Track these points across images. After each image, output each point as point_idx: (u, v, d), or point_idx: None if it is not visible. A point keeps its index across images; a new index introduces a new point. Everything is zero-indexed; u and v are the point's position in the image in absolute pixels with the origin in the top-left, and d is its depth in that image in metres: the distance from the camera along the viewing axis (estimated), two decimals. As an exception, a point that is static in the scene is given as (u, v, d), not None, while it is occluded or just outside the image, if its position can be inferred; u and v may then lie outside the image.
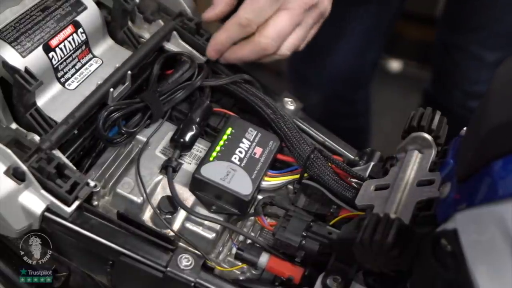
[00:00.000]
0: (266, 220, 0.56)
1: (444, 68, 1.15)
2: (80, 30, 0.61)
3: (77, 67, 0.61)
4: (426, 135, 0.53)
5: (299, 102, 0.68)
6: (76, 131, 0.57)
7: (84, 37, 0.61)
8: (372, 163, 0.59)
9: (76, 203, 0.52)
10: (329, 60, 1.15)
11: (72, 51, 0.60)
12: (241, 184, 0.55)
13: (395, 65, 1.92)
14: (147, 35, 0.67)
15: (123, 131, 0.58)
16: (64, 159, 0.53)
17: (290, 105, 0.67)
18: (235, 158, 0.58)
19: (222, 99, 0.67)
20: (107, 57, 0.63)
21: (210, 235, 0.55)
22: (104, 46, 0.64)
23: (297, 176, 0.58)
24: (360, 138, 1.32)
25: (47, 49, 0.57)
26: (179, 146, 0.59)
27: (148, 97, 0.60)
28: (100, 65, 0.63)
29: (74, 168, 0.53)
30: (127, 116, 0.59)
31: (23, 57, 0.55)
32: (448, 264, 0.38)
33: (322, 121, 0.67)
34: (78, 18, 0.61)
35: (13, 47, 0.55)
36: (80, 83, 0.60)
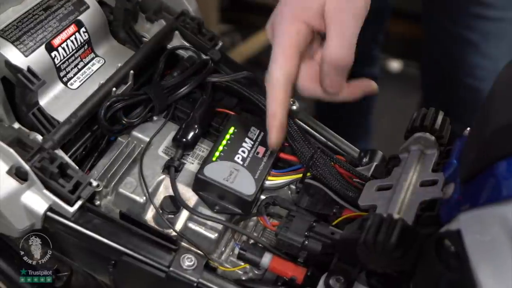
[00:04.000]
0: (268, 220, 0.56)
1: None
2: (83, 29, 0.61)
3: (79, 66, 0.61)
4: (429, 135, 0.53)
5: (301, 101, 0.68)
6: (78, 131, 0.57)
7: (87, 36, 0.61)
8: (374, 163, 0.59)
9: (79, 202, 0.52)
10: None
11: (75, 50, 0.60)
12: (244, 184, 0.55)
13: (395, 65, 1.92)
14: (149, 35, 0.67)
15: (124, 122, 0.58)
16: (66, 158, 0.53)
17: (292, 104, 0.67)
18: (238, 157, 0.58)
19: (224, 98, 0.67)
20: (110, 56, 0.63)
21: (213, 235, 0.55)
22: (107, 46, 0.64)
23: (300, 175, 0.58)
24: (362, 136, 1.33)
25: (50, 48, 0.57)
26: (181, 145, 0.59)
27: (152, 89, 0.60)
28: (102, 64, 0.63)
29: (77, 167, 0.53)
30: (130, 110, 0.59)
31: (26, 56, 0.56)
32: (452, 265, 0.38)
33: (324, 117, 0.67)
34: (81, 18, 0.61)
35: (15, 46, 0.55)
36: (82, 83, 0.60)
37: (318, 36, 0.56)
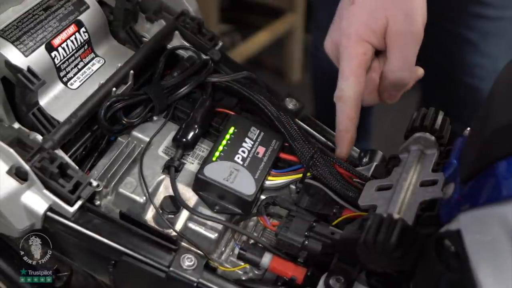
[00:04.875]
0: (268, 220, 0.56)
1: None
2: (83, 29, 0.61)
3: (79, 66, 0.61)
4: (429, 135, 0.53)
5: (300, 102, 0.68)
6: (78, 131, 0.57)
7: (87, 36, 0.61)
8: (374, 163, 0.60)
9: (79, 202, 0.52)
10: (314, 54, 1.15)
11: (75, 50, 0.60)
12: (244, 184, 0.55)
13: (395, 65, 1.92)
14: (149, 35, 0.67)
15: (124, 122, 0.58)
16: (66, 158, 0.53)
17: (291, 105, 0.67)
18: (238, 158, 0.58)
19: (224, 98, 0.67)
20: (110, 56, 0.63)
21: (213, 235, 0.55)
22: (107, 46, 0.64)
23: (300, 175, 0.58)
24: (362, 136, 1.33)
25: (50, 48, 0.57)
26: (181, 145, 0.59)
27: (152, 90, 0.60)
28: (102, 64, 0.63)
29: (77, 167, 0.53)
30: (130, 110, 0.59)
31: (26, 56, 0.56)
32: (452, 265, 0.38)
33: (324, 117, 0.67)
34: (81, 18, 0.61)
35: (15, 46, 0.55)
36: (82, 83, 0.60)
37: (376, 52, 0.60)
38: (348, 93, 0.58)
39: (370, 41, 0.58)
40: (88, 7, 0.62)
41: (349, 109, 0.58)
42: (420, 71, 0.62)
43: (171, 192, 0.56)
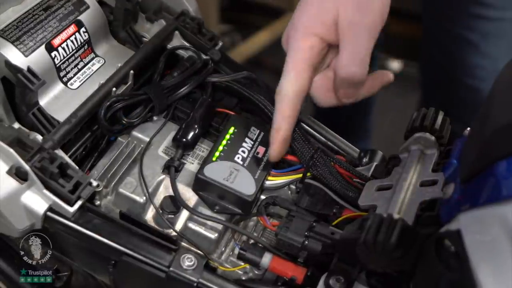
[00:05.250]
0: (268, 220, 0.56)
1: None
2: (83, 29, 0.61)
3: (79, 66, 0.61)
4: (429, 135, 0.53)
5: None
6: (78, 131, 0.57)
7: (87, 36, 0.61)
8: (374, 163, 0.60)
9: (79, 202, 0.52)
10: None
11: (75, 50, 0.60)
12: (244, 184, 0.55)
13: (395, 65, 1.92)
14: (149, 35, 0.67)
15: (124, 122, 0.58)
16: (66, 158, 0.53)
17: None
18: (238, 157, 0.58)
19: (224, 98, 0.67)
20: (110, 56, 0.63)
21: (213, 235, 0.55)
22: (107, 46, 0.64)
23: (300, 175, 0.58)
24: (362, 136, 1.33)
25: (50, 48, 0.58)
26: (181, 145, 0.59)
27: (152, 89, 0.60)
28: (102, 64, 0.63)
29: (77, 167, 0.53)
30: (130, 110, 0.59)
31: (26, 56, 0.56)
32: (452, 265, 0.38)
33: (324, 117, 0.67)
34: (81, 18, 0.61)
35: (15, 46, 0.55)
36: (82, 83, 0.60)
37: (334, 47, 0.56)
38: (286, 89, 0.53)
39: (320, 34, 0.53)
40: (88, 7, 0.62)
41: (284, 106, 0.53)
42: (389, 76, 0.58)
43: (171, 192, 0.56)
